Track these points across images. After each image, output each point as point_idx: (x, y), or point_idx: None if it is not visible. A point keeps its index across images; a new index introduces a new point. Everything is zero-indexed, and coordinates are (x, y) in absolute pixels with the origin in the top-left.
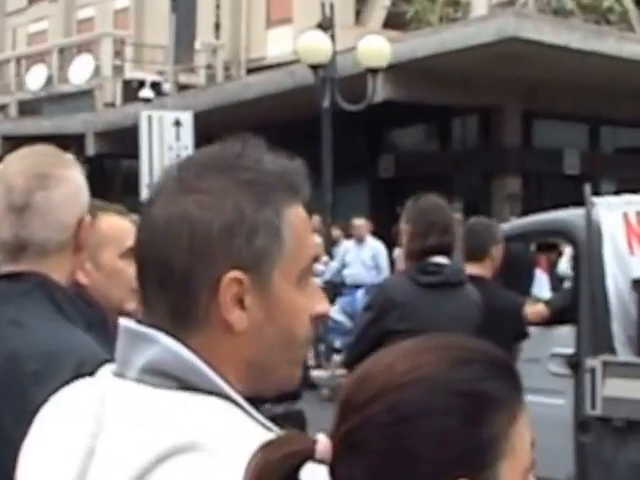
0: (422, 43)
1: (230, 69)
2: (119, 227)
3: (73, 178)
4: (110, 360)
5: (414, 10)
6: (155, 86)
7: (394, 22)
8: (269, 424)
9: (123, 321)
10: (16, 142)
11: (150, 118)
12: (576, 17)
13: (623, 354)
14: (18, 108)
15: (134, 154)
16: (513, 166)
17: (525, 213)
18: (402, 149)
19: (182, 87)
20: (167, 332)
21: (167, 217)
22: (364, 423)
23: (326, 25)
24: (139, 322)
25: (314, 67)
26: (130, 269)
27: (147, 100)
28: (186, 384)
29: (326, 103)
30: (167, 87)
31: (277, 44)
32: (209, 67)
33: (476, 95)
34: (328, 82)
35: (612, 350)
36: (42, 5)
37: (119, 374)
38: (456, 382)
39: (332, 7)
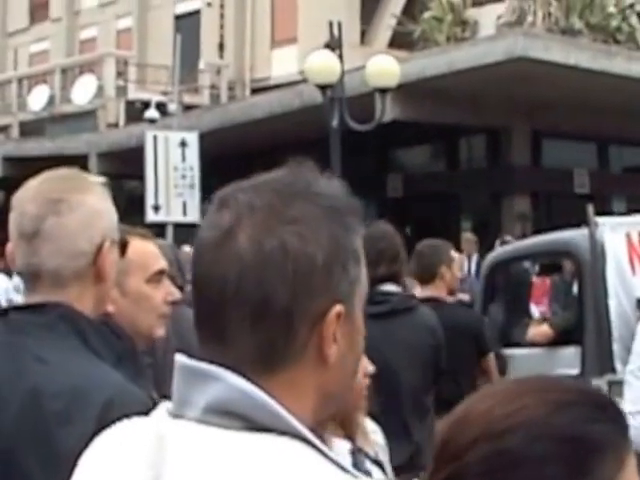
0: (430, 63)
1: (234, 89)
2: (144, 251)
3: (89, 203)
4: (143, 397)
5: (421, 30)
6: (159, 106)
7: (400, 42)
8: (345, 465)
9: (180, 358)
10: (18, 163)
11: (155, 138)
12: (584, 37)
13: (624, 374)
14: (20, 129)
15: (138, 175)
16: (522, 185)
17: (536, 233)
18: (410, 168)
19: (186, 107)
20: (240, 371)
21: (262, 249)
22: (460, 474)
23: (334, 45)
24: (198, 359)
25: (322, 87)
26: (157, 294)
27: (152, 120)
28: (256, 424)
29: (335, 123)
30: (173, 107)
31: (282, 64)
32: (213, 87)
33: (484, 115)
34: (336, 102)
35: (613, 370)
36: (44, 25)
37: (177, 414)
38: (558, 427)
39: (340, 26)
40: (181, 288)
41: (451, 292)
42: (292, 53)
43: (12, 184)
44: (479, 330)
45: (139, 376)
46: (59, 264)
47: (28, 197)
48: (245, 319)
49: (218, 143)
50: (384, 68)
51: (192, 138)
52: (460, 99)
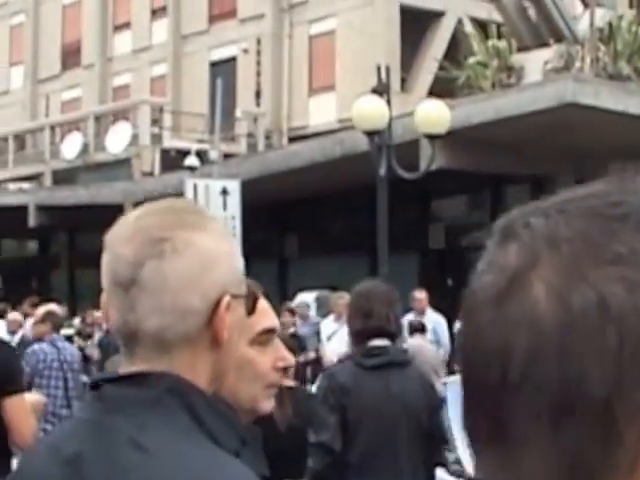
0: (477, 109)
1: (271, 138)
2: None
3: (202, 244)
4: None
5: (465, 76)
6: (197, 154)
7: (441, 88)
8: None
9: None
10: (51, 212)
11: (196, 187)
12: (633, 82)
13: None
14: (52, 177)
15: None
16: None
17: None
18: (452, 219)
19: (223, 156)
20: None
21: (571, 308)
22: None
23: (381, 89)
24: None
25: (369, 133)
26: (265, 359)
27: (192, 168)
28: None
29: (382, 171)
30: (214, 155)
31: (320, 112)
32: (250, 136)
33: (528, 163)
34: (384, 149)
35: None
36: (76, 72)
37: None
38: None
39: (388, 71)
40: None
41: None
42: (330, 101)
43: (45, 233)
44: None
45: (258, 462)
46: (162, 324)
47: (123, 235)
48: (540, 416)
49: (257, 192)
50: (434, 114)
51: (233, 186)
52: (505, 147)
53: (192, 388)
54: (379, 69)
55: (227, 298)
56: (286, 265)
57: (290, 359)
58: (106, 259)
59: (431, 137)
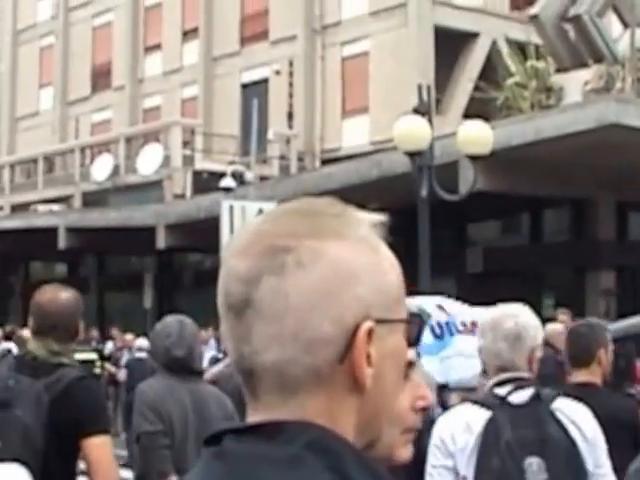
0: (517, 130)
1: (304, 160)
2: None
3: (335, 255)
4: None
5: (504, 97)
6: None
7: (476, 110)
8: None
9: None
10: (82, 234)
11: (232, 209)
12: None
13: None
14: (82, 199)
15: (204, 248)
16: (607, 260)
17: (620, 310)
18: (490, 242)
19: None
20: None
21: None
22: None
23: (422, 110)
24: None
25: (410, 154)
26: (402, 398)
27: (228, 189)
28: None
29: (424, 192)
30: (249, 176)
31: (353, 134)
32: (282, 158)
33: (568, 185)
34: (425, 170)
35: None
36: (106, 93)
37: None
38: None
39: (429, 90)
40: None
41: (605, 379)
42: (363, 123)
43: (74, 256)
44: (636, 421)
45: None
46: (282, 357)
47: (240, 245)
48: None
49: None
50: (476, 135)
51: (270, 208)
52: (544, 169)
53: (341, 442)
54: (420, 88)
55: (368, 324)
56: None
57: (430, 397)
58: (221, 276)
59: (473, 158)
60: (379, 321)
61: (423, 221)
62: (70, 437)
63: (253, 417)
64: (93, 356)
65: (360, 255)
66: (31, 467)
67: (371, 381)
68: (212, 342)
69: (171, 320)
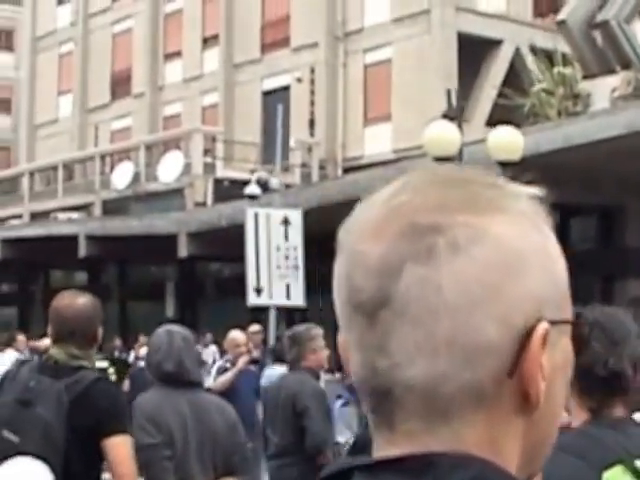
0: (545, 137)
1: (326, 168)
2: None
3: (500, 236)
4: None
5: (530, 103)
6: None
7: (500, 117)
8: None
9: None
10: (102, 242)
11: (257, 216)
12: None
13: None
14: (102, 207)
15: (226, 256)
16: (636, 268)
17: None
18: None
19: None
20: None
21: None
22: None
23: (452, 115)
24: None
25: (440, 159)
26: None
27: (253, 197)
28: None
29: None
30: (275, 183)
31: (375, 142)
32: (304, 165)
33: (596, 192)
34: None
35: None
36: (126, 101)
37: None
38: None
39: (458, 95)
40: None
41: None
42: (385, 131)
43: (95, 264)
44: None
45: None
46: (435, 371)
47: (368, 224)
48: None
49: (316, 222)
50: (507, 141)
51: (295, 216)
52: (573, 176)
53: (506, 477)
54: (449, 93)
55: (544, 325)
56: None
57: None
58: (339, 266)
59: (503, 164)
60: (552, 322)
61: None
62: (90, 438)
63: (387, 451)
64: (104, 364)
65: (526, 235)
66: (51, 463)
67: (546, 392)
68: (215, 350)
69: (161, 332)
